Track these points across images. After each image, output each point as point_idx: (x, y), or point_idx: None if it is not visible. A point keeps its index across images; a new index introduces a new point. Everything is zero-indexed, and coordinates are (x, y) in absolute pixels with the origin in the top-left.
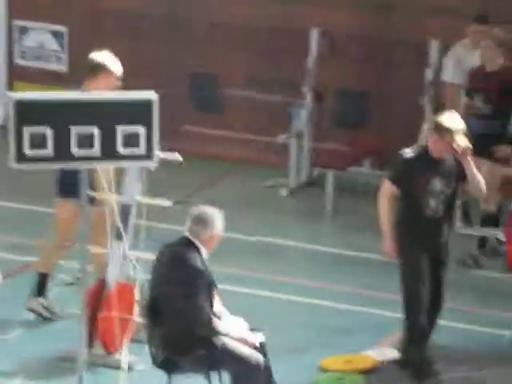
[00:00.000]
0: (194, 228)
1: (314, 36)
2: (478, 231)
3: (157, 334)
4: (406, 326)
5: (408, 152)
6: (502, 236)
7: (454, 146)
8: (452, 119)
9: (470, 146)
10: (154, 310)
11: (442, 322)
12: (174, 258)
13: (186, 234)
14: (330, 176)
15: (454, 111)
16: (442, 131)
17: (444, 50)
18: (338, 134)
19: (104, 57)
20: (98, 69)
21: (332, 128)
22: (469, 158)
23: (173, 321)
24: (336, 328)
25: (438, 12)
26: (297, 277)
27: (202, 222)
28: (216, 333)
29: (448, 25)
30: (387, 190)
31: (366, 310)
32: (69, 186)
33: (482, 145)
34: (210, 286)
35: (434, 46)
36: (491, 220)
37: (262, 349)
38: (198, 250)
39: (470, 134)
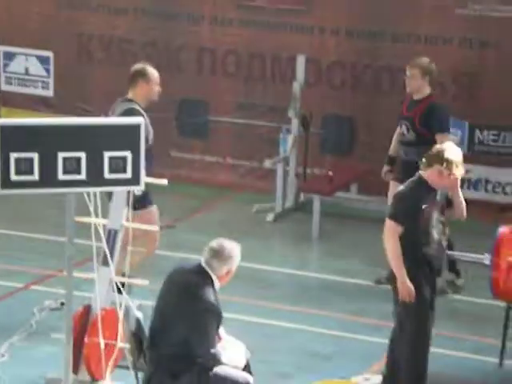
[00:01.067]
0: (211, 261)
1: (301, 62)
2: (462, 256)
3: (152, 357)
4: (411, 364)
5: (407, 185)
6: (487, 260)
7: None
8: (456, 152)
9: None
10: (155, 332)
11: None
12: (187, 287)
13: (202, 263)
14: (317, 201)
15: (450, 143)
16: (452, 167)
17: None
18: (324, 159)
19: (140, 66)
20: (137, 77)
21: (318, 153)
22: (458, 184)
23: (174, 346)
24: (322, 354)
25: (426, 39)
26: (283, 302)
27: (220, 256)
28: (218, 363)
29: (434, 51)
30: (394, 230)
31: (352, 335)
32: (144, 194)
33: (406, 171)
34: (219, 320)
35: None
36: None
37: (248, 366)
38: (211, 282)
39: (399, 161)
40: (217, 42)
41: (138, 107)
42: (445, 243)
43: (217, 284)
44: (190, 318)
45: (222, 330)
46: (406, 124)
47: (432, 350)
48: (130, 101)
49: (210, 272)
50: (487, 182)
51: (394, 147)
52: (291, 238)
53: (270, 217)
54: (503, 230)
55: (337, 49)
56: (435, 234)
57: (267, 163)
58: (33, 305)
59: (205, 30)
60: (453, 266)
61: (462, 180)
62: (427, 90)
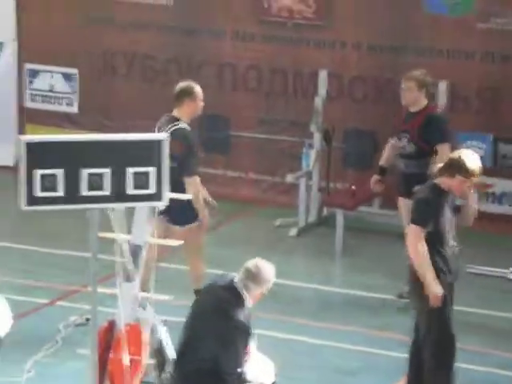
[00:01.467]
0: (246, 282)
1: (322, 76)
2: (486, 271)
3: (179, 372)
4: (439, 374)
5: (424, 191)
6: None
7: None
8: (476, 161)
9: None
10: (184, 347)
11: None
12: (219, 306)
13: (236, 281)
14: (340, 215)
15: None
16: (473, 174)
17: (452, 89)
18: (346, 174)
19: (185, 84)
20: (183, 95)
21: (341, 167)
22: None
23: (202, 362)
24: (347, 369)
25: (448, 53)
26: (307, 318)
27: (256, 279)
28: (243, 382)
29: (456, 66)
30: (419, 234)
31: (377, 351)
32: (191, 211)
33: (407, 184)
34: (248, 339)
35: (441, 87)
36: None
37: None
38: (243, 300)
39: (398, 174)
40: (238, 57)
41: (186, 126)
42: (457, 248)
43: (248, 303)
44: (219, 335)
45: (253, 346)
46: (405, 137)
47: (458, 364)
48: (177, 119)
49: (243, 291)
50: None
51: (386, 158)
52: (314, 253)
53: (293, 231)
54: None
55: (358, 63)
56: (450, 238)
57: (289, 178)
58: (58, 321)
59: (226, 46)
60: None
61: (487, 193)
62: (424, 102)
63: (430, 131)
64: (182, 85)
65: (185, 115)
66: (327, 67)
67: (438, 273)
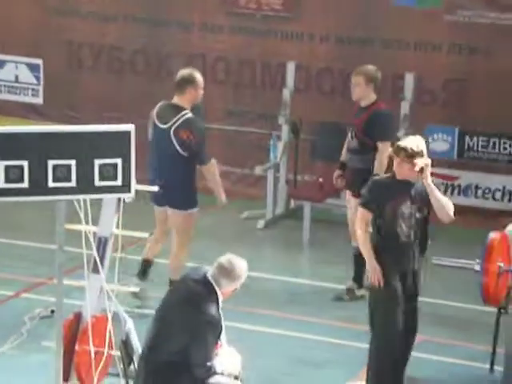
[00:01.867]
0: (219, 278)
1: (291, 69)
2: (452, 262)
3: (147, 364)
4: (380, 354)
5: (378, 177)
6: (477, 266)
7: (415, 167)
8: (411, 141)
9: (428, 163)
10: (153, 339)
11: (414, 354)
12: (192, 298)
13: (209, 276)
14: (307, 208)
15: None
16: (400, 151)
17: (419, 82)
18: (314, 166)
19: (187, 72)
20: (185, 83)
21: (308, 160)
22: (428, 180)
23: (171, 355)
24: (312, 361)
25: (415, 45)
26: (274, 309)
27: (229, 275)
28: (213, 376)
29: (424, 58)
30: (362, 216)
31: (343, 342)
32: (193, 197)
33: (351, 178)
34: (219, 333)
35: (409, 79)
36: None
37: (240, 377)
38: (216, 295)
39: (348, 168)
40: (206, 48)
41: (191, 114)
42: (413, 238)
43: (220, 298)
44: (190, 329)
45: (223, 338)
46: (352, 131)
47: (422, 355)
48: (179, 106)
49: (215, 286)
50: (477, 188)
51: (344, 153)
52: (282, 245)
53: (260, 224)
54: (493, 235)
55: (326, 55)
56: (404, 226)
57: (258, 170)
58: (23, 313)
59: (194, 37)
60: (358, 275)
61: (452, 186)
62: (372, 97)
63: (372, 127)
64: (183, 72)
65: (186, 103)
66: (295, 59)
67: (386, 261)
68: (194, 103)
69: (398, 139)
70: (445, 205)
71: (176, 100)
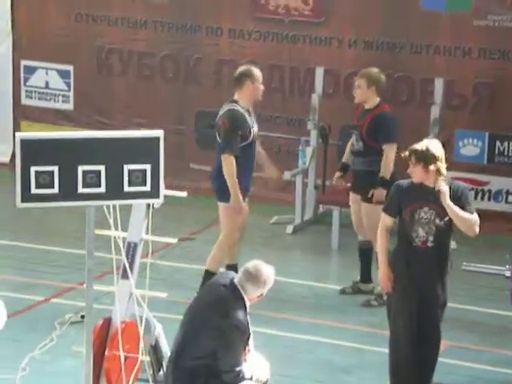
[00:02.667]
0: (245, 284)
1: (319, 74)
2: (482, 268)
3: (175, 368)
4: (391, 358)
5: (400, 181)
6: (508, 273)
7: (428, 170)
8: (423, 143)
9: (446, 190)
10: (181, 343)
11: (442, 360)
12: (219, 303)
13: (236, 282)
14: (336, 213)
15: (433, 139)
16: (410, 154)
17: (448, 86)
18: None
19: (245, 67)
20: (243, 78)
21: (337, 165)
22: (447, 201)
23: (199, 359)
24: (343, 366)
25: (445, 50)
26: (303, 315)
27: (255, 281)
28: (242, 380)
29: (454, 62)
30: (383, 221)
31: (372, 348)
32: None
33: (355, 180)
34: (246, 338)
35: (439, 84)
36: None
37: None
38: (243, 301)
39: (354, 172)
40: (235, 54)
41: (238, 107)
42: (431, 244)
43: (247, 303)
44: (218, 334)
45: (251, 344)
46: (356, 134)
47: (450, 361)
48: (235, 102)
49: (242, 292)
50: (508, 193)
51: (346, 154)
52: (310, 250)
53: (289, 229)
54: None
55: (355, 60)
56: (421, 231)
57: (286, 175)
58: (54, 318)
59: (223, 43)
60: (367, 275)
61: (482, 191)
62: (375, 100)
63: (377, 130)
64: (241, 68)
65: (244, 97)
66: (324, 64)
67: (399, 265)
68: (254, 99)
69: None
70: (467, 222)
71: (235, 96)
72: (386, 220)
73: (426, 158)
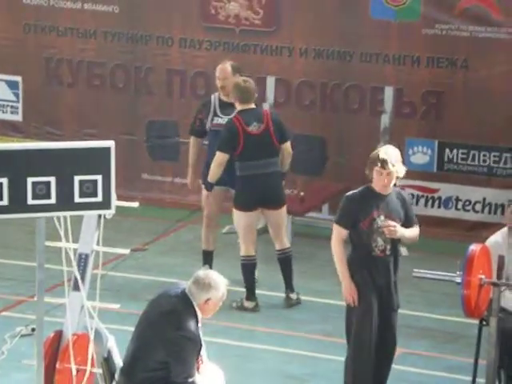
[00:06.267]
0: (192, 288)
1: (271, 83)
2: (433, 274)
3: (126, 382)
4: (354, 368)
5: (351, 192)
6: (458, 279)
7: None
8: (385, 151)
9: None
10: (132, 356)
11: (395, 366)
12: (170, 314)
13: (186, 290)
14: (289, 222)
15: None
16: (376, 161)
17: (398, 95)
18: (295, 180)
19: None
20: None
21: (289, 173)
22: (398, 235)
23: (151, 372)
24: (297, 375)
25: (394, 59)
26: (256, 324)
27: (200, 284)
28: None
29: (403, 70)
30: (338, 233)
31: (327, 356)
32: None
33: None
34: (198, 349)
35: (388, 92)
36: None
37: None
38: (194, 311)
39: None
40: (186, 64)
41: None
42: (389, 252)
43: (199, 312)
44: (169, 345)
45: (204, 355)
46: None
47: (402, 368)
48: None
49: (192, 301)
50: (457, 200)
51: None
52: (263, 259)
53: None
54: (474, 247)
55: (306, 69)
56: (379, 241)
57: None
58: (4, 331)
59: (174, 52)
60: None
61: (433, 198)
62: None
63: None
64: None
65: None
66: (275, 73)
67: (361, 275)
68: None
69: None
70: (414, 236)
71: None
72: (343, 232)
73: (394, 164)
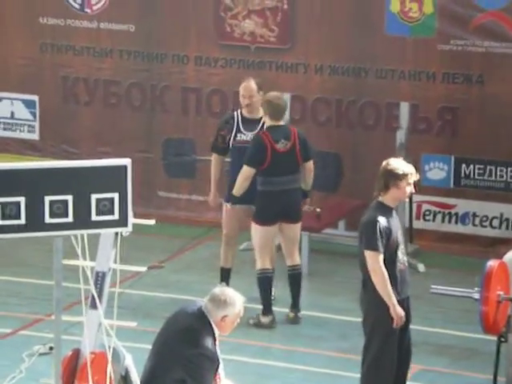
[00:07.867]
0: (208, 305)
1: (286, 100)
2: (450, 291)
3: None
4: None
5: (372, 216)
6: (476, 295)
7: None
8: (402, 163)
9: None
10: (149, 374)
11: (412, 383)
12: (188, 332)
13: (203, 308)
14: (305, 238)
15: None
16: (407, 175)
17: (414, 111)
18: (311, 197)
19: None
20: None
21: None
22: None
23: None
24: None
25: (410, 75)
26: (275, 341)
27: (216, 300)
28: None
29: (419, 86)
30: (378, 259)
31: (345, 373)
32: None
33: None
34: (215, 366)
35: (404, 108)
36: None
37: None
38: (211, 329)
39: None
40: (201, 82)
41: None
42: (406, 263)
43: (216, 330)
44: (187, 363)
45: (221, 372)
46: None
47: None
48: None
49: (208, 318)
50: (474, 216)
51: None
52: (280, 276)
53: None
54: (492, 263)
55: (321, 86)
56: (400, 254)
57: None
58: (22, 350)
59: (189, 70)
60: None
61: (449, 214)
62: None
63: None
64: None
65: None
66: (290, 90)
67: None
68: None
69: None
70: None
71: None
72: (380, 257)
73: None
